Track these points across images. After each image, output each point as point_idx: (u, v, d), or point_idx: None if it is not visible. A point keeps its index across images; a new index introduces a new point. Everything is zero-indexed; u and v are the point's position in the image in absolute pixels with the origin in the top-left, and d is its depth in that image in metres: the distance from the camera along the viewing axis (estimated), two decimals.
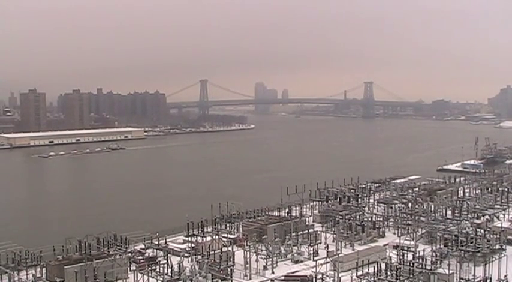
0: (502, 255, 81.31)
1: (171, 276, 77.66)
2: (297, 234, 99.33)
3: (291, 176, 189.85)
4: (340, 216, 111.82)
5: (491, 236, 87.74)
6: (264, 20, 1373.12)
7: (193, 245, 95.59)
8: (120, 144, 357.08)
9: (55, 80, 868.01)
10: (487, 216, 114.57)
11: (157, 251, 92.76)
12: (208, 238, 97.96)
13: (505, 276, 77.29)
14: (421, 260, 77.43)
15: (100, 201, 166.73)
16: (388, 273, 75.54)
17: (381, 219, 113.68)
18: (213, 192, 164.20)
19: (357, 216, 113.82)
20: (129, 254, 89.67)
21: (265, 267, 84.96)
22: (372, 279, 75.10)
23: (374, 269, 76.67)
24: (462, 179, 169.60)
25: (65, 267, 77.56)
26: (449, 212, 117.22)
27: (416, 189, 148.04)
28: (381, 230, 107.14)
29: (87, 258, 78.92)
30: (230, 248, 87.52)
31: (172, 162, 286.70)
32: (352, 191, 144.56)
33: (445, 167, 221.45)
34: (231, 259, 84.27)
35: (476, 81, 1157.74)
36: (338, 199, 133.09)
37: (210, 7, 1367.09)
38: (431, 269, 74.92)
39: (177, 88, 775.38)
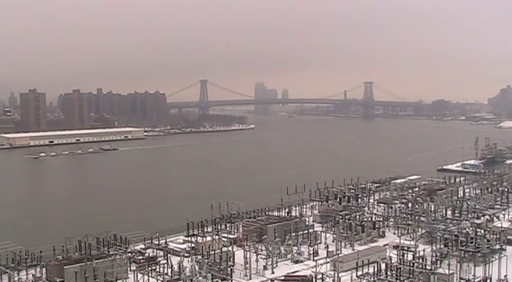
0: (502, 255, 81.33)
1: (171, 276, 77.73)
2: (297, 234, 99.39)
3: (291, 176, 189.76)
4: (340, 216, 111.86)
5: (491, 236, 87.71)
6: (264, 20, 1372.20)
7: (193, 245, 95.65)
8: (113, 145, 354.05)
9: (55, 80, 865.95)
10: (487, 216, 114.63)
11: (157, 251, 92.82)
12: (208, 238, 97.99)
13: (505, 276, 77.33)
14: (421, 260, 77.46)
15: (98, 202, 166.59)
16: (388, 273, 75.59)
17: (381, 219, 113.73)
18: (212, 192, 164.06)
19: (357, 216, 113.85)
20: (129, 254, 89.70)
21: (265, 267, 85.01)
22: (372, 279, 75.13)
23: (374, 269, 76.72)
24: (462, 179, 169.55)
25: (65, 267, 77.65)
26: (449, 212, 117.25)
27: (416, 189, 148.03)
28: (381, 230, 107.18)
29: (87, 258, 78.94)
30: (230, 248, 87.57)
31: (169, 162, 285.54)
32: (352, 191, 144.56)
33: (445, 167, 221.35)
34: (231, 259, 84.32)
35: (476, 81, 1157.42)
36: (338, 199, 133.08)
37: (210, 7, 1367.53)
38: (431, 269, 74.94)
39: (177, 88, 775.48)
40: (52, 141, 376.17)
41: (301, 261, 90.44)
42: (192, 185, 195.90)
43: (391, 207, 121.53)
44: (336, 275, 74.87)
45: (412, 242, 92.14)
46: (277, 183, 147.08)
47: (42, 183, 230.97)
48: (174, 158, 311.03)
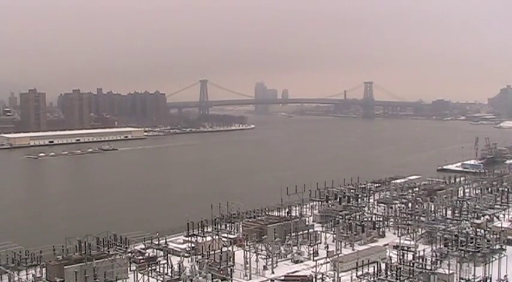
0: (502, 255, 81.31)
1: (171, 276, 77.72)
2: (297, 234, 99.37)
3: (291, 176, 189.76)
4: (340, 216, 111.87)
5: (491, 236, 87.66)
6: (264, 20, 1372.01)
7: (193, 245, 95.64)
8: (113, 145, 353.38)
9: (55, 80, 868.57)
10: (487, 216, 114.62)
11: (157, 251, 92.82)
12: (208, 238, 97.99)
13: (505, 276, 77.34)
14: (421, 260, 77.43)
15: (98, 202, 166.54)
16: (388, 273, 75.56)
17: (381, 219, 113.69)
18: (212, 192, 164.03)
19: (357, 216, 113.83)
20: (129, 254, 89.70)
21: (265, 267, 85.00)
22: (372, 279, 75.11)
23: (374, 269, 76.69)
24: (462, 179, 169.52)
25: (65, 267, 77.63)
26: (449, 212, 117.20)
27: (416, 189, 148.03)
28: (381, 230, 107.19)
29: (87, 258, 78.94)
30: (230, 248, 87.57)
31: (169, 162, 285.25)
32: (352, 191, 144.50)
33: (445, 167, 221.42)
34: (231, 259, 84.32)
35: (476, 81, 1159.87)
36: (338, 199, 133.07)
37: (210, 7, 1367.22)
38: (431, 269, 74.91)
39: (177, 88, 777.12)
40: (52, 141, 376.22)
41: (301, 261, 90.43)
42: (192, 185, 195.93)
43: (391, 207, 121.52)
44: (336, 275, 74.88)
45: (412, 242, 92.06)
46: (277, 183, 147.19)
47: (41, 183, 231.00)
48: (174, 158, 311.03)
